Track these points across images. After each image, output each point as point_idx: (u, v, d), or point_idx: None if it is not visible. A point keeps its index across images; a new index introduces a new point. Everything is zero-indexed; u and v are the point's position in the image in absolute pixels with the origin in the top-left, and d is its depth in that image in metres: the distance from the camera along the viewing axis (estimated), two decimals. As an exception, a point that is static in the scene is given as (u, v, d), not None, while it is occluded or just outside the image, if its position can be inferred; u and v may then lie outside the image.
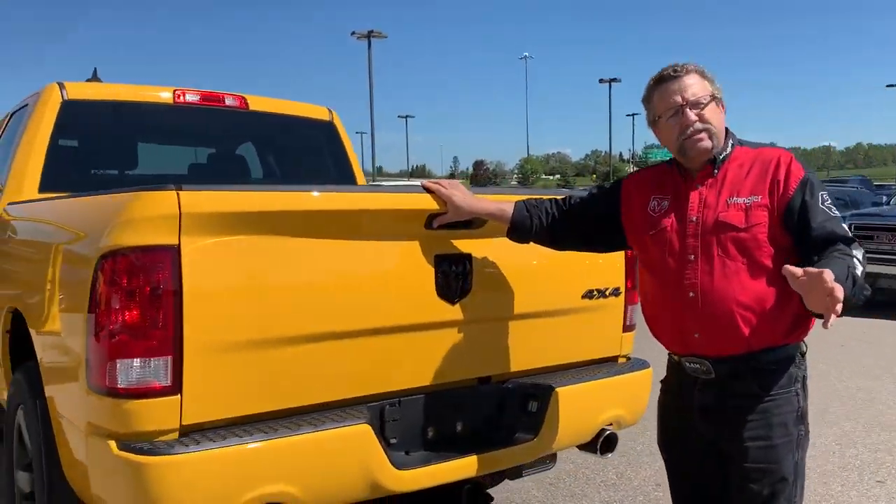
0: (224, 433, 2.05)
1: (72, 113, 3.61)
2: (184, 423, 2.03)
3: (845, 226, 2.01)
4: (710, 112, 2.06)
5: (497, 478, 2.97)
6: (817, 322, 1.85)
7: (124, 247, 1.97)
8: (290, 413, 2.20)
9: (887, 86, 55.96)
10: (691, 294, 2.02)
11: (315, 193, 2.24)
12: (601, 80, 60.70)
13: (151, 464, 1.93)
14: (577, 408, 2.70)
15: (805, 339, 2.12)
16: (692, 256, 2.03)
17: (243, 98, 4.13)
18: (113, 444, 1.99)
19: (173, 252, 1.98)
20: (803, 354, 2.11)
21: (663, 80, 2.09)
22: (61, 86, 3.64)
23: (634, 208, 2.23)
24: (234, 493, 2.01)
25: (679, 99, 2.04)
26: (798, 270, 1.69)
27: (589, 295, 2.86)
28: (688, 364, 2.11)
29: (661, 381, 2.31)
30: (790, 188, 1.99)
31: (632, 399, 2.94)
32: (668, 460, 2.29)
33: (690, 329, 2.04)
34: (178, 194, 1.99)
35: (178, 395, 2.01)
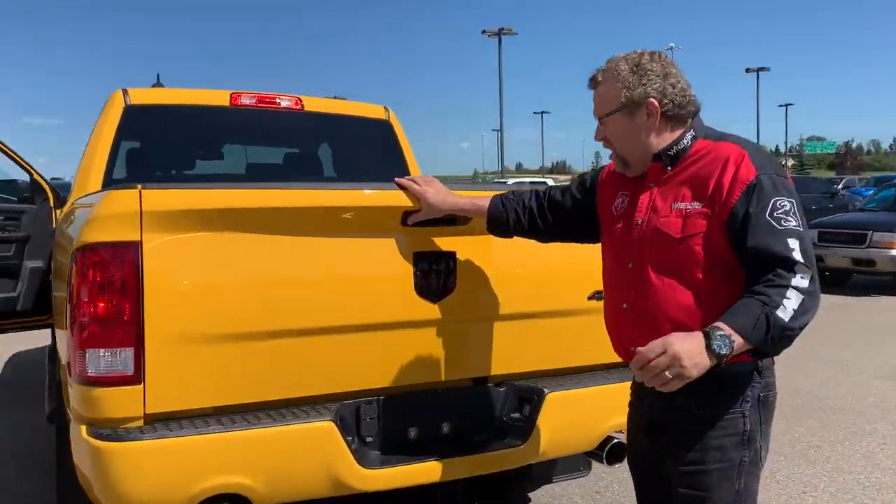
0: (184, 423, 2.12)
1: (134, 117, 3.86)
2: (147, 411, 2.11)
3: (796, 242, 1.66)
4: (614, 130, 1.90)
5: (500, 486, 2.88)
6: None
7: (91, 242, 2.08)
8: (259, 407, 2.24)
9: None
10: (624, 305, 1.88)
11: (276, 190, 2.27)
12: (748, 70, 57.59)
13: (107, 449, 2.04)
14: (574, 414, 2.57)
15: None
16: (630, 265, 1.87)
17: (299, 99, 4.25)
18: (84, 428, 2.11)
19: (135, 248, 2.07)
20: (760, 372, 1.83)
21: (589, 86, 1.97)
22: (125, 92, 3.90)
23: (605, 203, 2.07)
24: (189, 482, 2.08)
25: (593, 112, 1.95)
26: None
27: (598, 296, 2.72)
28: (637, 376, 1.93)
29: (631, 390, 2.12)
30: (734, 194, 1.71)
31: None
32: (633, 478, 2.13)
33: (628, 340, 1.87)
34: (140, 193, 2.08)
35: (142, 385, 2.09)
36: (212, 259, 2.17)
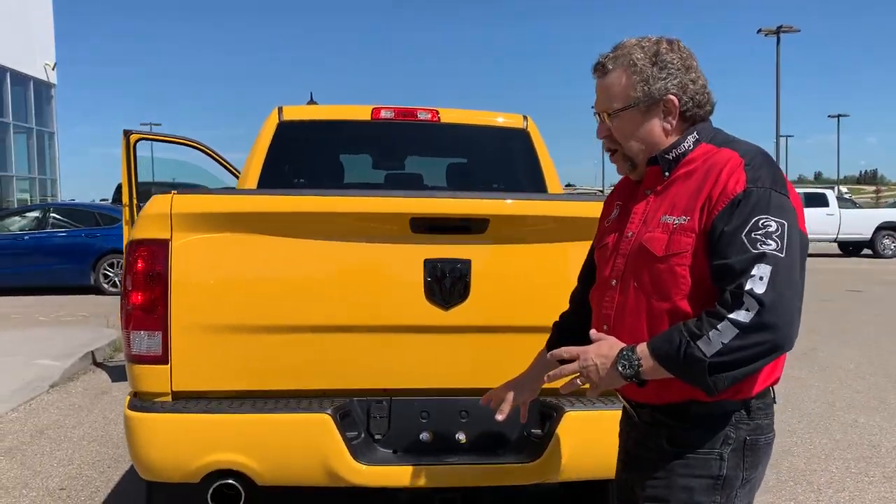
0: (199, 403, 2.39)
1: (286, 131, 4.32)
2: (174, 389, 2.42)
3: (765, 269, 1.43)
4: (622, 127, 1.66)
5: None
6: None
7: (135, 239, 2.43)
8: (271, 396, 2.44)
9: None
10: (605, 327, 1.68)
11: (289, 197, 2.45)
12: None
13: (132, 417, 2.37)
14: (595, 435, 2.42)
15: (759, 392, 1.60)
16: (613, 282, 1.68)
17: (436, 111, 4.42)
18: (128, 398, 2.47)
19: (165, 245, 2.38)
20: (749, 412, 1.61)
21: (594, 74, 1.71)
22: (280, 110, 4.38)
23: (603, 217, 1.87)
24: (196, 454, 2.34)
25: (595, 105, 1.71)
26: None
27: None
28: (625, 402, 1.78)
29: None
30: (718, 207, 1.51)
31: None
32: None
33: None
34: (172, 197, 2.38)
35: (168, 365, 2.40)
36: (232, 257, 2.41)
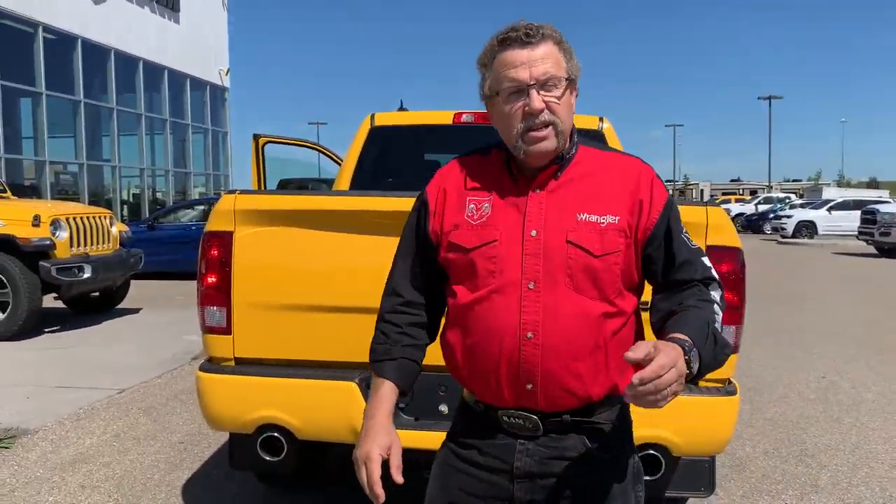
0: (253, 368, 2.87)
1: (377, 136, 4.79)
2: (236, 355, 2.91)
3: (707, 260, 1.62)
4: (564, 101, 1.56)
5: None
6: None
7: (207, 231, 2.95)
8: (313, 365, 2.88)
9: None
10: (529, 335, 1.53)
11: (329, 197, 2.87)
12: None
13: (199, 376, 2.89)
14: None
15: None
16: (532, 284, 1.54)
17: (514, 114, 4.71)
18: (200, 364, 3.01)
19: (230, 236, 2.88)
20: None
21: (510, 44, 1.54)
22: (372, 116, 4.85)
23: (448, 212, 1.65)
24: (249, 409, 2.82)
25: (527, 76, 1.53)
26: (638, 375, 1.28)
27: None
28: (506, 419, 1.60)
29: (448, 433, 1.79)
30: (656, 211, 1.58)
31: (685, 424, 2.69)
32: None
33: (523, 378, 1.55)
34: (235, 197, 2.88)
35: (231, 336, 2.90)
36: (282, 247, 2.87)
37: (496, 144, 1.69)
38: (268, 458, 2.88)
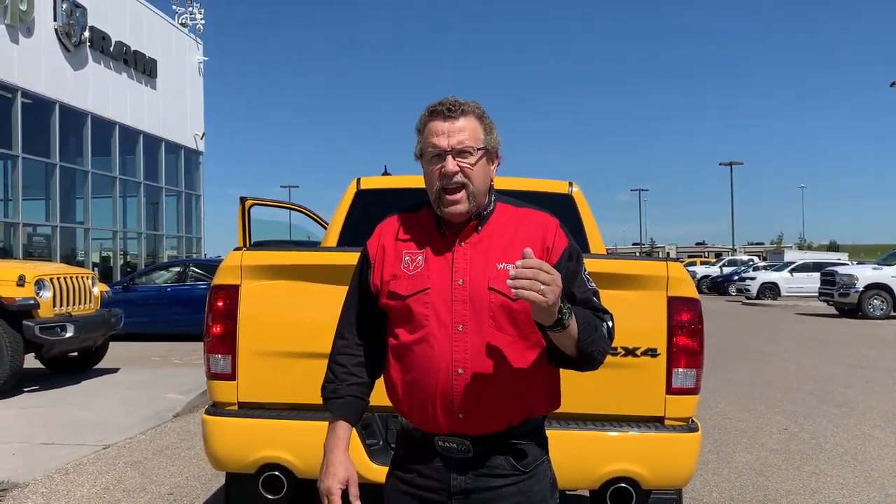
0: (256, 411, 3.10)
1: (362, 198, 5.11)
2: (239, 399, 3.14)
3: (599, 301, 1.86)
4: (478, 168, 1.79)
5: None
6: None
7: (215, 284, 3.20)
8: (311, 408, 3.10)
9: None
10: (460, 371, 1.75)
11: (322, 252, 3.16)
12: None
13: (206, 420, 3.12)
14: (564, 453, 2.92)
15: None
16: (461, 326, 1.77)
17: (491, 179, 5.07)
18: (206, 408, 3.22)
19: (236, 289, 3.14)
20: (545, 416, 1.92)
21: (436, 116, 1.81)
22: (358, 180, 5.18)
23: (387, 264, 1.88)
24: (252, 450, 3.04)
25: (445, 143, 1.77)
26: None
27: (651, 353, 3.01)
28: (441, 443, 1.82)
29: (392, 460, 2.00)
30: (556, 255, 1.80)
31: (653, 458, 2.96)
32: None
33: (456, 409, 1.77)
34: (242, 254, 3.15)
35: (235, 381, 3.13)
36: (283, 299, 3.14)
37: (426, 203, 1.90)
38: (268, 497, 3.08)
